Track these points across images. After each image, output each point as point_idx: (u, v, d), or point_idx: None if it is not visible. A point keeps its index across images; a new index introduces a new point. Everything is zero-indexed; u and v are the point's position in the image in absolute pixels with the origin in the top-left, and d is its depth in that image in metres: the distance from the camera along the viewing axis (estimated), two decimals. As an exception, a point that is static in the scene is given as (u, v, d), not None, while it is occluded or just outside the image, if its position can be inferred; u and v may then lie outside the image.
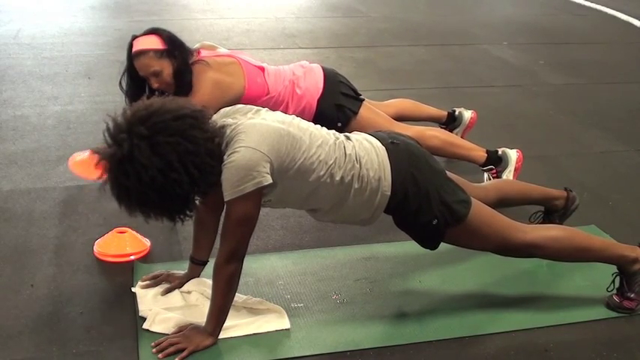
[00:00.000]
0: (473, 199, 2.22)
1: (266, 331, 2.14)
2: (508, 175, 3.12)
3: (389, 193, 2.12)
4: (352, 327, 2.21)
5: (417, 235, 2.25)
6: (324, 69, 3.09)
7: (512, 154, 3.15)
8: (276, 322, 2.17)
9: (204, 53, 2.92)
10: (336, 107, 3.01)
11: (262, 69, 2.98)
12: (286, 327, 2.16)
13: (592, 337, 2.22)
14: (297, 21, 6.52)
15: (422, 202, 2.14)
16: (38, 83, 4.50)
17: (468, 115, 3.58)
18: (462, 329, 2.22)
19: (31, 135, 3.67)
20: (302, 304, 2.31)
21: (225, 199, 1.95)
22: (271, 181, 1.94)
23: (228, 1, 7.26)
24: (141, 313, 2.20)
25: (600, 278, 2.37)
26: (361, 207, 2.15)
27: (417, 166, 2.17)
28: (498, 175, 3.13)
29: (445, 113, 3.59)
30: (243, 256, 2.03)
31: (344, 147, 2.11)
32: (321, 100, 2.99)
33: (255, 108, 2.13)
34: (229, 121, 2.02)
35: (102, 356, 2.04)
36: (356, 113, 3.03)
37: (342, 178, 2.07)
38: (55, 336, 2.12)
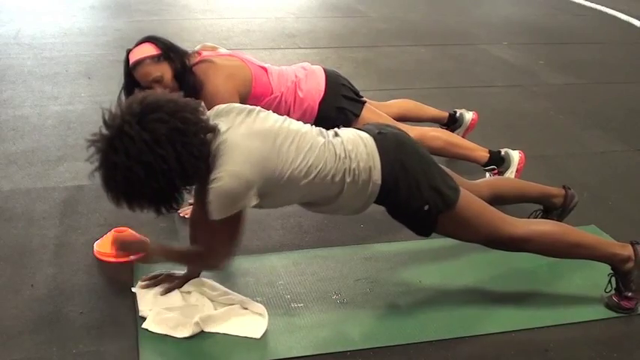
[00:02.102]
0: (463, 189, 2.24)
1: (235, 334, 2.13)
2: (509, 176, 3.12)
3: (379, 182, 2.15)
4: (352, 327, 2.21)
5: (409, 222, 2.27)
6: (325, 71, 3.08)
7: (515, 155, 3.16)
8: (250, 329, 2.15)
9: (205, 54, 2.92)
10: (338, 110, 3.00)
11: (265, 69, 2.97)
12: (255, 336, 2.12)
13: (592, 337, 2.22)
14: (297, 21, 6.52)
15: (412, 188, 2.16)
16: (38, 83, 4.50)
17: (469, 116, 3.58)
18: (462, 329, 2.22)
19: (31, 135, 3.67)
20: (302, 304, 2.31)
21: (210, 218, 2.00)
22: (256, 202, 2.01)
23: (228, 1, 7.26)
24: (141, 313, 2.20)
25: (600, 278, 2.37)
26: (354, 198, 2.18)
27: (405, 152, 2.20)
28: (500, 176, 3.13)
29: (446, 114, 3.59)
30: (225, 260, 2.14)
31: (333, 145, 2.14)
32: (322, 103, 2.98)
33: (248, 109, 2.14)
34: (221, 125, 2.04)
35: (102, 356, 2.04)
36: (357, 116, 3.03)
37: (333, 176, 2.11)
38: (55, 336, 2.12)
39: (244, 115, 2.09)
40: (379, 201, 2.21)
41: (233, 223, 2.05)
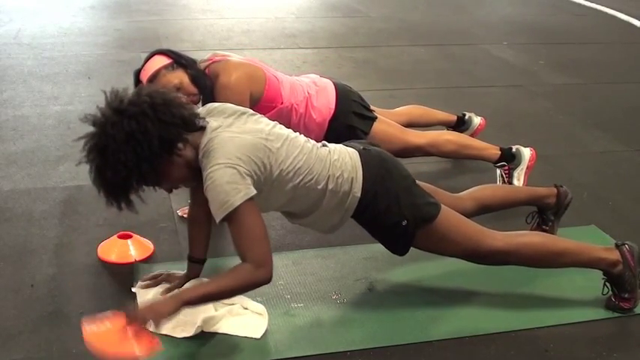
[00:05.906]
0: (442, 205, 2.24)
1: (235, 334, 2.14)
2: (520, 172, 3.12)
3: (359, 195, 2.16)
4: (352, 327, 2.21)
5: (386, 238, 2.27)
6: (336, 86, 3.02)
7: (526, 152, 3.16)
8: (250, 329, 2.16)
9: (217, 58, 2.90)
10: (348, 128, 2.95)
11: (277, 78, 2.93)
12: (255, 336, 2.13)
13: (592, 337, 2.22)
14: (297, 21, 6.52)
15: (391, 203, 2.17)
16: (38, 83, 4.50)
17: (477, 120, 3.59)
18: (461, 329, 2.22)
19: (31, 135, 3.67)
20: (302, 304, 2.31)
21: (218, 221, 1.96)
22: (255, 192, 1.96)
23: (228, 1, 7.26)
24: (141, 313, 2.19)
25: (600, 278, 2.37)
26: (333, 210, 2.19)
27: (387, 168, 2.22)
28: (510, 173, 3.14)
29: (454, 117, 3.59)
30: (270, 262, 2.00)
31: (320, 154, 2.16)
32: (333, 121, 2.95)
33: (240, 111, 2.13)
34: (211, 124, 2.03)
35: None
36: (367, 134, 2.98)
37: (317, 182, 2.12)
38: (55, 336, 2.12)
39: (235, 118, 2.09)
40: (357, 216, 2.22)
41: (250, 219, 1.95)
